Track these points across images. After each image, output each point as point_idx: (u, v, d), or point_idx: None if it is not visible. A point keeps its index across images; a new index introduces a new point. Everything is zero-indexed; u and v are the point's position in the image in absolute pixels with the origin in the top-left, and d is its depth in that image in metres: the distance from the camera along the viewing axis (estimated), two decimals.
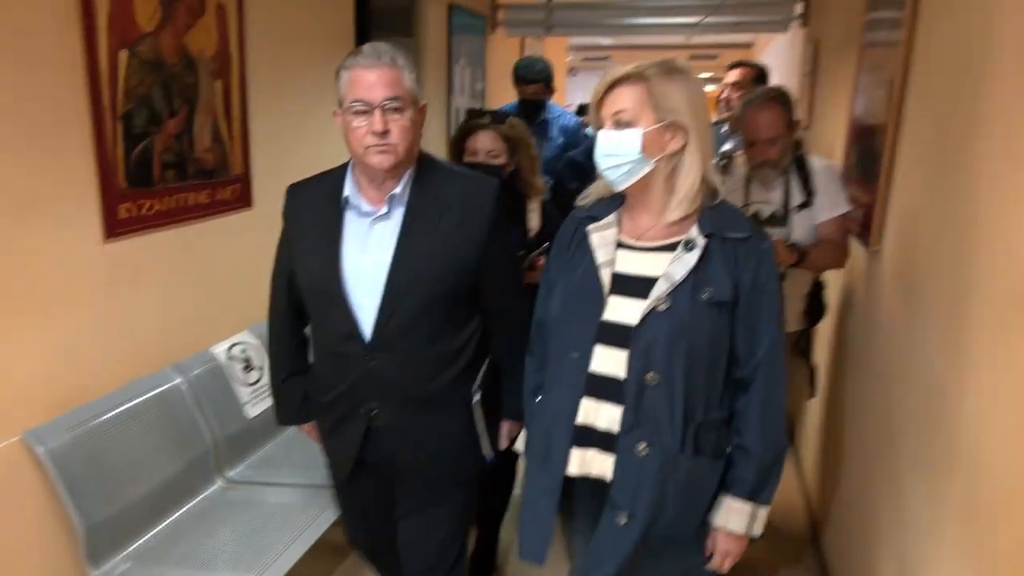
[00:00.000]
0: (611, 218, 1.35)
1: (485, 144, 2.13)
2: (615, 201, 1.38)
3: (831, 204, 2.18)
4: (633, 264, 1.31)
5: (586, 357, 1.31)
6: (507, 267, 1.63)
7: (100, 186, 1.88)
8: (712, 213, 1.29)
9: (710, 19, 5.12)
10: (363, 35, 3.45)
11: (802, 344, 2.37)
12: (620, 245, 1.34)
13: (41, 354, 1.75)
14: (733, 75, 3.45)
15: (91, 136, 1.85)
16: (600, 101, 1.30)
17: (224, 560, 1.81)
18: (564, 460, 1.33)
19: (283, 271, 1.62)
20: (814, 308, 2.33)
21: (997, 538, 1.17)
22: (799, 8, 4.72)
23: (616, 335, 1.28)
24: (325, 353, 1.58)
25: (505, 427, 1.69)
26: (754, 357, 1.29)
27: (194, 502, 2.01)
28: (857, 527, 2.08)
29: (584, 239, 1.36)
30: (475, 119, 2.19)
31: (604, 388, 1.30)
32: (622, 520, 1.29)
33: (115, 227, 1.93)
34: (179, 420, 2.02)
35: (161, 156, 2.09)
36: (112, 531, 1.77)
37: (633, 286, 1.29)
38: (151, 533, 1.86)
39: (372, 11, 3.59)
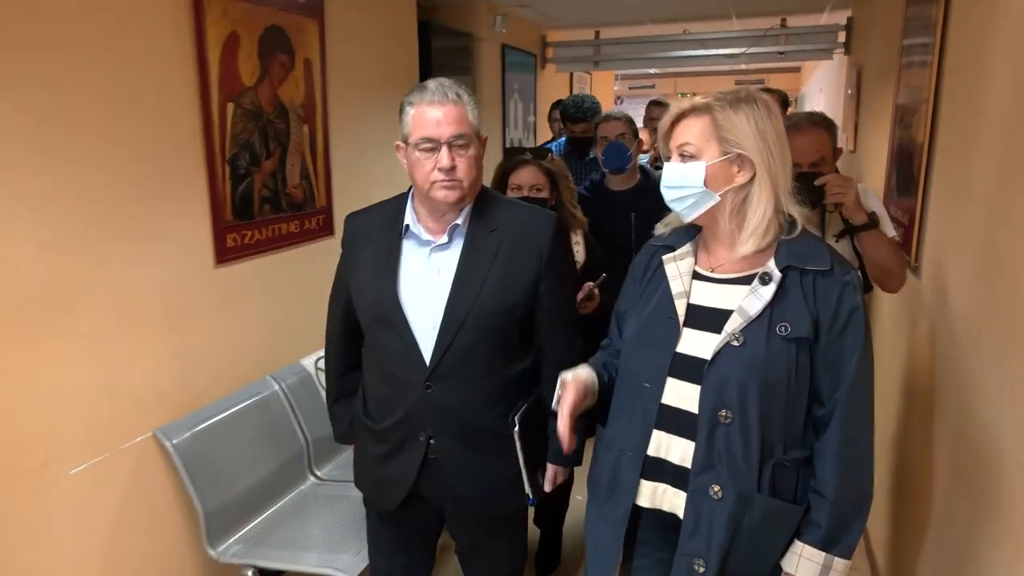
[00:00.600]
0: (687, 248, 1.33)
1: (528, 179, 2.18)
2: (692, 231, 1.35)
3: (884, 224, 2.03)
4: (708, 296, 1.28)
5: (659, 388, 1.27)
6: (564, 299, 1.63)
7: (212, 219, 2.19)
8: (790, 245, 1.24)
9: (754, 49, 5.31)
10: (426, 75, 3.76)
11: None
12: (696, 276, 1.31)
13: (169, 362, 2.05)
14: None
15: (205, 177, 2.16)
16: (667, 134, 1.29)
17: (316, 545, 2.05)
18: (633, 492, 1.30)
19: (340, 297, 1.65)
20: None
21: None
22: (842, 36, 4.87)
23: (689, 369, 1.25)
24: (382, 379, 1.57)
25: (550, 471, 1.65)
26: (835, 395, 1.22)
27: (291, 495, 2.27)
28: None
29: (659, 268, 1.34)
30: (516, 155, 2.24)
31: (676, 422, 1.27)
32: (699, 567, 1.24)
33: (224, 254, 2.24)
34: (277, 423, 2.30)
35: (260, 192, 2.40)
36: (226, 517, 2.04)
37: (707, 319, 1.26)
38: (257, 520, 2.12)
39: (433, 52, 3.91)
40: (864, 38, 4.23)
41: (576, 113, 3.50)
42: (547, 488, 1.63)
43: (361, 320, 1.58)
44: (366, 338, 1.61)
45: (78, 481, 1.81)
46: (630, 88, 11.44)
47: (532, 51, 5.41)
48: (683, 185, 1.25)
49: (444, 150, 1.41)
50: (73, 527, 1.81)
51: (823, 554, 1.21)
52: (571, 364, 1.47)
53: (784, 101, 3.34)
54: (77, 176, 1.77)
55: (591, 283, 2.18)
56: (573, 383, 1.33)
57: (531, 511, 1.91)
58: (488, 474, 1.56)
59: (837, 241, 1.92)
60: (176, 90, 2.05)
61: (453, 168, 1.42)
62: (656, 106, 4.38)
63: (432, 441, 1.52)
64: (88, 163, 1.79)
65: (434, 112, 1.42)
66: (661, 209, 1.39)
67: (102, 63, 1.81)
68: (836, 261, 1.24)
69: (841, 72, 5.14)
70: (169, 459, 1.98)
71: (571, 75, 6.30)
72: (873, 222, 1.85)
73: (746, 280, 1.25)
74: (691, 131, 1.25)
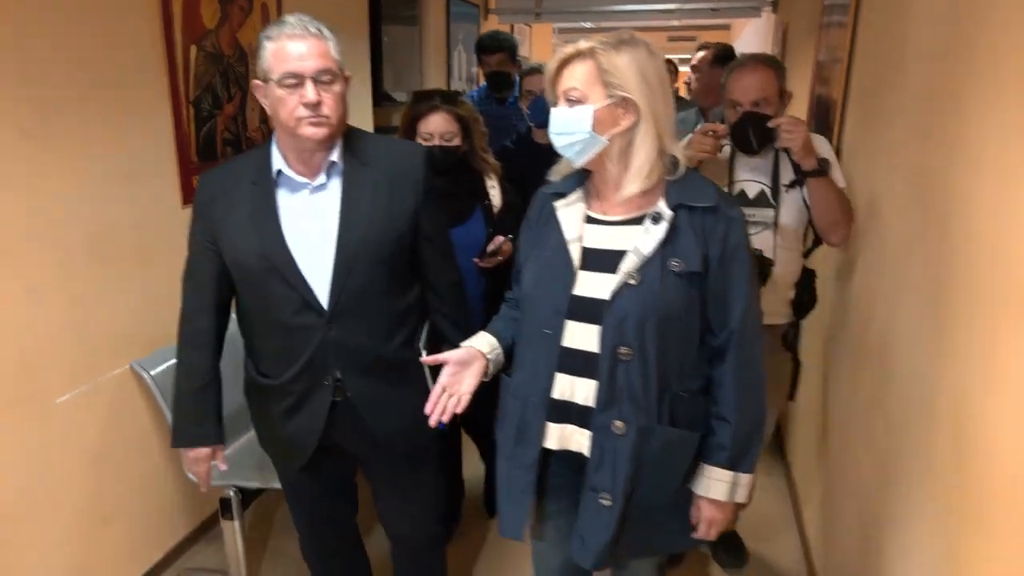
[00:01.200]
0: (578, 194, 1.35)
1: (440, 126, 2.06)
2: (581, 177, 1.37)
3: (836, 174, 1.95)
4: (602, 239, 1.31)
5: (558, 332, 1.30)
6: (441, 228, 1.63)
7: (179, 159, 2.25)
8: (678, 185, 1.28)
9: (689, 5, 5.50)
10: (375, 23, 3.79)
11: (790, 337, 2.14)
12: (589, 220, 1.33)
13: (142, 299, 2.12)
14: (695, 58, 3.44)
15: (171, 118, 2.21)
16: (554, 79, 1.28)
17: None
18: (540, 436, 1.33)
19: (201, 264, 1.53)
20: (803, 299, 2.09)
21: (993, 538, 1.06)
22: None
23: (588, 310, 1.28)
24: (277, 333, 1.51)
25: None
26: (727, 326, 1.28)
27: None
28: (856, 533, 1.82)
29: (552, 215, 1.35)
30: (424, 101, 2.09)
31: (578, 363, 1.30)
32: (605, 501, 1.29)
33: (191, 194, 2.29)
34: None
35: (222, 135, 2.45)
36: None
37: (602, 260, 1.28)
38: (236, 443, 2.23)
39: (381, 2, 3.93)
40: None
41: (491, 43, 3.32)
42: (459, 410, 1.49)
43: (242, 278, 1.51)
44: (247, 296, 1.53)
45: (64, 410, 1.89)
46: (566, 43, 11.45)
47: (475, 2, 5.45)
48: (571, 131, 1.25)
49: (309, 85, 1.36)
50: (61, 452, 1.90)
51: (731, 472, 1.29)
52: (455, 297, 1.62)
53: (729, 54, 3.30)
54: (42, 113, 1.81)
55: (502, 236, 2.12)
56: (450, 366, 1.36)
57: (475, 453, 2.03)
58: (399, 406, 1.56)
59: (788, 191, 1.93)
60: (142, 31, 2.08)
61: (319, 104, 1.37)
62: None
63: (339, 383, 1.51)
64: (55, 100, 1.83)
65: (296, 46, 1.35)
66: None
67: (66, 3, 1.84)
68: (722, 199, 1.29)
69: (769, 29, 5.40)
70: (148, 390, 2.07)
71: (512, 28, 6.36)
72: (823, 168, 1.85)
73: (637, 221, 1.28)
74: (576, 76, 1.24)
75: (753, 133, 1.87)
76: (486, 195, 2.21)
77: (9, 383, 1.75)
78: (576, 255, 1.29)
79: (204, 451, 1.61)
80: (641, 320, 1.23)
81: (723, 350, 1.29)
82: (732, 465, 1.30)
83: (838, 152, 2.24)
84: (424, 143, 2.05)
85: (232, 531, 2.09)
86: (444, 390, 1.36)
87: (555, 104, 1.29)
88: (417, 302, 1.60)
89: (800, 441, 2.77)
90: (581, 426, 1.31)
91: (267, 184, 1.47)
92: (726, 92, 1.96)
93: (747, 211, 1.84)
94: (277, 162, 1.47)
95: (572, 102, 1.25)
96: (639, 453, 1.27)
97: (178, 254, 1.57)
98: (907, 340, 1.53)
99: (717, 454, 1.30)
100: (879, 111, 1.94)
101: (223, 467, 1.67)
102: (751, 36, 7.38)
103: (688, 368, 1.29)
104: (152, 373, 2.07)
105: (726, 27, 10.03)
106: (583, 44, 1.25)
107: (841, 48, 2.43)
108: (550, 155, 1.37)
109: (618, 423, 1.27)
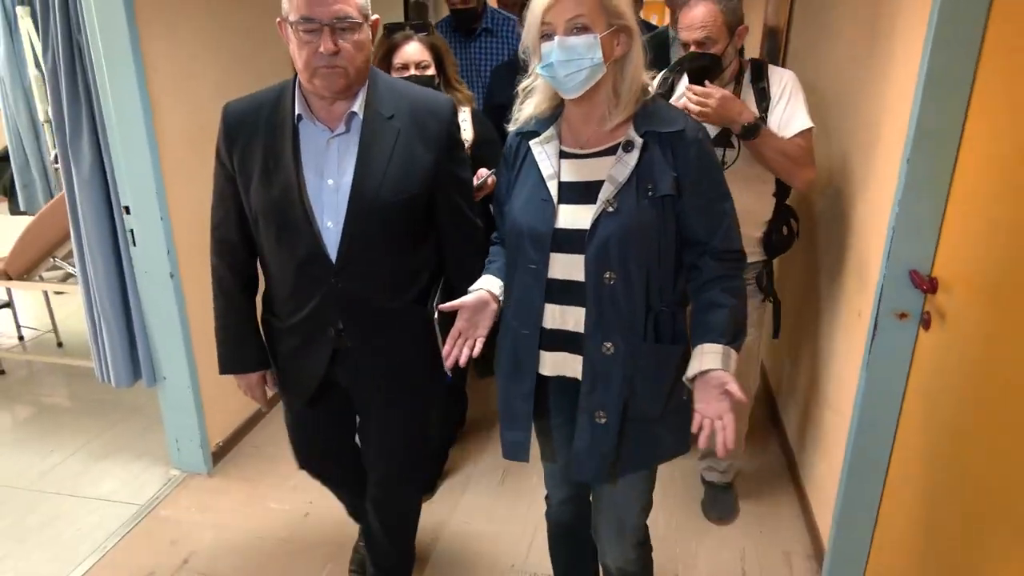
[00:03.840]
0: (551, 131, 1.38)
1: (415, 55, 2.06)
2: (553, 115, 1.40)
3: (791, 117, 1.90)
4: (578, 172, 1.34)
5: (544, 266, 1.34)
6: (463, 185, 1.60)
7: None
8: (645, 112, 1.32)
9: None
10: None
11: (763, 279, 2.11)
12: (563, 155, 1.37)
13: None
14: None
15: None
16: (551, 7, 1.26)
17: None
18: (535, 364, 1.39)
19: (227, 199, 1.51)
20: (773, 237, 2.05)
21: None
22: None
23: (570, 241, 1.32)
24: (285, 277, 1.51)
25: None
26: (706, 243, 1.33)
27: None
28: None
29: (528, 154, 1.39)
30: (397, 30, 2.09)
31: (566, 293, 1.34)
32: (600, 419, 1.35)
33: None
34: None
35: None
36: None
37: (580, 193, 1.32)
38: None
39: None
40: None
41: None
42: (463, 360, 1.45)
43: (257, 219, 1.48)
44: (263, 237, 1.50)
45: None
46: None
47: None
48: (580, 58, 1.25)
49: (326, 33, 1.31)
50: None
51: (723, 346, 1.30)
52: (475, 250, 1.56)
53: None
54: None
55: (486, 170, 2.10)
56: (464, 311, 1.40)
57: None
58: (397, 359, 1.58)
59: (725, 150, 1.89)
60: None
61: (336, 53, 1.33)
62: None
63: (342, 331, 1.52)
64: None
65: None
66: None
67: None
68: (688, 121, 1.33)
69: None
70: None
71: None
72: (753, 128, 1.81)
73: (610, 151, 1.32)
74: (581, 4, 1.24)
75: (695, 78, 1.85)
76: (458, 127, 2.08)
77: None
78: (555, 190, 1.34)
79: (253, 376, 1.65)
80: (622, 244, 1.28)
81: (704, 267, 1.34)
82: (727, 342, 1.31)
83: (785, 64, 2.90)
84: (398, 74, 2.05)
85: None
86: (460, 334, 1.41)
87: (550, 35, 1.27)
88: (429, 262, 1.58)
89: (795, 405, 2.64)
90: (574, 352, 1.37)
91: (285, 128, 1.43)
92: (677, 27, 1.94)
93: None
94: (298, 105, 1.43)
95: (579, 30, 1.25)
96: (629, 371, 1.33)
97: None
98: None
99: (712, 335, 1.31)
100: (818, 32, 2.57)
101: (271, 390, 1.71)
102: None
103: (668, 286, 1.35)
104: None
105: None
106: None
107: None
108: None
109: (607, 344, 1.32)
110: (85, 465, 2.62)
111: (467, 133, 2.13)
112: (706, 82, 1.82)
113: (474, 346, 1.40)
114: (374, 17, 1.41)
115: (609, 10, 1.25)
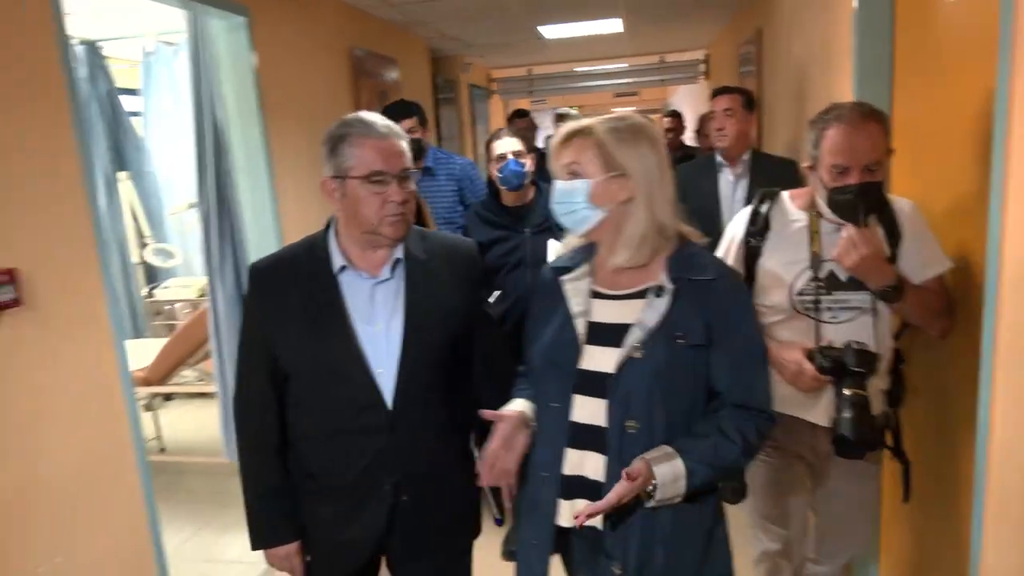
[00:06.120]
0: (584, 268, 1.39)
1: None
2: (587, 252, 1.41)
3: (928, 257, 1.63)
4: (607, 313, 1.34)
5: (566, 407, 1.32)
6: (491, 319, 1.68)
7: None
8: (679, 258, 1.32)
9: (644, 79, 7.42)
10: (437, 107, 5.46)
11: (892, 434, 1.77)
12: (594, 295, 1.37)
13: None
14: (723, 102, 2.99)
15: None
16: (557, 153, 1.34)
17: None
18: (552, 512, 1.34)
19: (261, 361, 1.49)
20: (897, 388, 1.76)
21: None
22: (703, 67, 7.06)
23: (594, 384, 1.30)
24: (331, 435, 1.48)
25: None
26: (728, 399, 1.30)
27: None
28: None
29: (559, 290, 1.39)
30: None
31: (587, 437, 1.31)
32: (616, 570, 1.30)
33: None
34: None
35: None
36: None
37: (608, 334, 1.31)
38: None
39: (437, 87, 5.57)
40: (718, 67, 6.40)
41: (400, 109, 3.09)
42: (508, 504, 1.47)
43: (298, 377, 1.48)
44: (303, 392, 1.49)
45: None
46: (532, 103, 13.17)
47: (484, 85, 7.26)
48: (569, 201, 1.31)
49: (395, 184, 1.39)
50: None
51: (684, 465, 1.25)
52: (507, 387, 1.49)
53: (750, 99, 3.04)
54: None
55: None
56: (501, 430, 1.36)
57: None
58: (449, 509, 1.55)
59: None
60: None
61: (405, 201, 1.41)
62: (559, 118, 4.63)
63: (399, 485, 1.47)
64: None
65: (384, 146, 1.40)
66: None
67: None
68: (721, 271, 1.34)
69: (701, 91, 7.30)
70: None
71: (506, 103, 8.17)
72: (890, 290, 1.56)
73: (641, 295, 1.32)
74: (577, 151, 1.31)
75: (864, 207, 1.57)
76: None
77: None
78: (582, 329, 1.33)
79: (290, 547, 1.53)
80: (648, 393, 1.26)
81: (724, 409, 1.31)
82: (688, 466, 1.25)
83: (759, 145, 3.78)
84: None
85: None
86: (493, 461, 1.36)
87: (558, 177, 1.34)
88: (472, 398, 1.56)
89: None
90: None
91: (329, 278, 1.45)
92: (823, 151, 1.60)
93: (838, 296, 1.64)
94: (338, 259, 1.46)
95: (572, 175, 1.32)
96: (649, 526, 1.29)
97: None
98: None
99: (685, 446, 1.26)
100: (775, 112, 3.60)
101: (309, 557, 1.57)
102: (685, 93, 9.35)
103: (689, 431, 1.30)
104: None
105: (664, 85, 11.97)
106: (585, 123, 1.34)
107: (755, 87, 4.10)
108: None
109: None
110: (215, 537, 3.07)
111: None
112: (863, 218, 1.56)
113: (507, 479, 1.37)
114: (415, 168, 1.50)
115: (606, 159, 1.30)
